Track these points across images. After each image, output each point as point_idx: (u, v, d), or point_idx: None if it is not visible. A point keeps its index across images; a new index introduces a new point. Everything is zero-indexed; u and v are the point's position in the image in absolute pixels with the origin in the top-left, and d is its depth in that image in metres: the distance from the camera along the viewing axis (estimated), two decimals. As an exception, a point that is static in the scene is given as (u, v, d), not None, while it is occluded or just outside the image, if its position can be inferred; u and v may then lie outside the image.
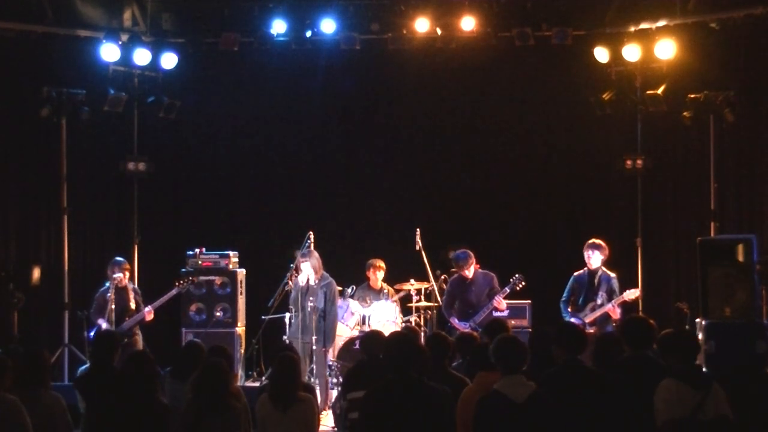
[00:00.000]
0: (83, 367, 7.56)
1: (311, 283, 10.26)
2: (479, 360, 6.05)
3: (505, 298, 10.63)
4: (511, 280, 10.59)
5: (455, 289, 10.79)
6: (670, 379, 5.71)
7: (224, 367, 6.06)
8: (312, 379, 9.91)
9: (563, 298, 10.61)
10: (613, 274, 10.52)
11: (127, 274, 10.72)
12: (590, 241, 10.52)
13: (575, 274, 10.63)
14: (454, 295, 10.78)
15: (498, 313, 10.63)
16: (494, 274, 10.83)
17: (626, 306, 10.33)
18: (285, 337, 10.63)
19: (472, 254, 10.68)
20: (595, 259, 10.41)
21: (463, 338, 7.37)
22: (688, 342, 5.91)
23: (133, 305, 10.57)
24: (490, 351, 5.64)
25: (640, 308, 11.47)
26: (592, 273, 10.45)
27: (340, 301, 11.03)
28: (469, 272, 10.68)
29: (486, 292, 10.65)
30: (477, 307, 10.59)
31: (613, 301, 10.24)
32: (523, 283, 10.56)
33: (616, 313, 10.12)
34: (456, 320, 10.60)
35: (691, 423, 5.56)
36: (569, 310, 10.50)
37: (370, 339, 7.41)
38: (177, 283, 10.74)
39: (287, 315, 10.92)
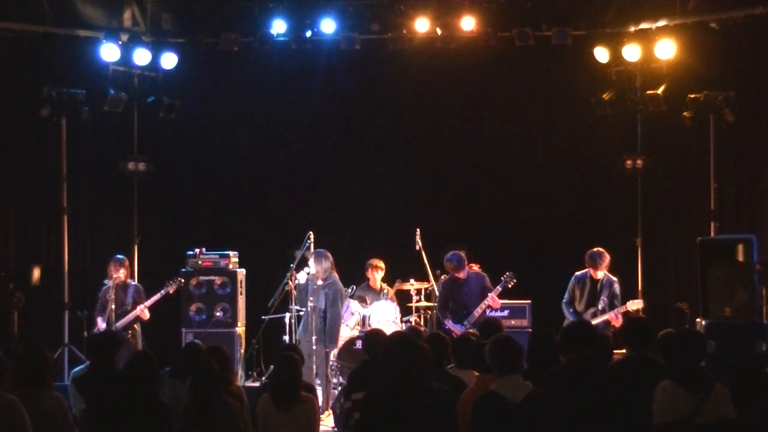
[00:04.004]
0: (79, 366, 7.55)
1: (318, 283, 10.27)
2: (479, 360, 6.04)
3: (499, 296, 10.61)
4: (502, 278, 10.58)
5: (448, 290, 10.76)
6: (667, 380, 5.70)
7: (214, 368, 6.04)
8: (315, 380, 9.91)
9: (564, 300, 10.59)
10: (615, 279, 10.51)
11: (128, 271, 10.73)
12: (592, 253, 10.43)
13: (576, 274, 10.62)
14: (447, 296, 10.76)
15: (496, 313, 10.63)
16: (486, 274, 10.83)
17: (628, 314, 10.33)
18: (295, 337, 10.64)
19: (464, 256, 10.67)
20: (599, 272, 10.42)
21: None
22: (691, 343, 5.86)
23: (131, 303, 10.57)
24: (486, 352, 5.63)
25: (635, 312, 11.44)
26: (595, 278, 10.45)
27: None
28: (463, 274, 10.66)
29: (479, 292, 10.63)
30: (471, 308, 10.57)
31: (615, 310, 10.24)
32: (515, 281, 10.56)
33: (619, 322, 10.11)
34: (450, 322, 10.57)
35: (686, 426, 5.54)
36: (571, 310, 10.48)
37: (372, 338, 7.39)
38: (167, 283, 10.72)
39: (287, 315, 10.94)
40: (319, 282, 10.28)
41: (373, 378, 6.53)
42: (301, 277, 10.40)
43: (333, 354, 10.42)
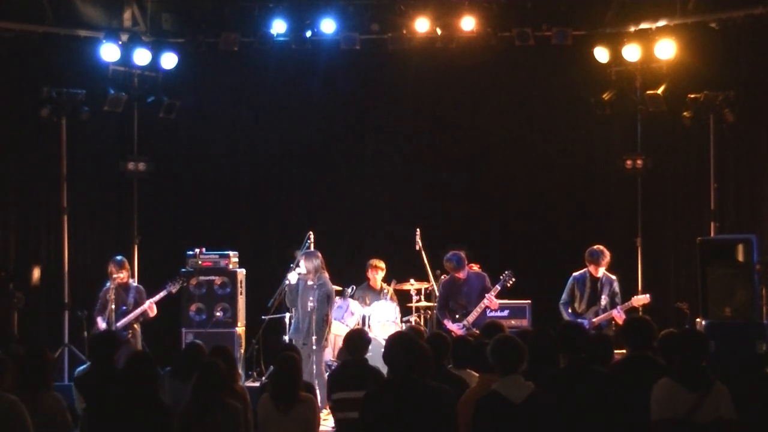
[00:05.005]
0: (82, 366, 7.55)
1: (309, 282, 10.26)
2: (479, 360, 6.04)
3: (499, 296, 10.60)
4: (501, 277, 10.55)
5: (448, 290, 10.73)
6: (666, 379, 5.70)
7: (220, 367, 6.04)
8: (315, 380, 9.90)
9: (563, 301, 10.55)
10: (614, 277, 10.51)
11: (128, 272, 10.72)
12: (592, 251, 10.40)
13: (574, 274, 10.59)
14: (447, 296, 10.73)
15: (495, 313, 10.62)
16: (486, 274, 10.82)
17: (630, 309, 10.33)
18: (285, 337, 10.64)
19: (464, 256, 10.65)
20: (600, 270, 10.41)
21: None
22: (693, 343, 5.85)
23: (132, 304, 10.55)
24: (488, 351, 5.63)
25: (641, 308, 11.46)
26: (595, 276, 10.45)
27: (340, 301, 11.04)
28: (463, 274, 10.66)
29: (478, 293, 10.59)
30: (470, 308, 10.54)
31: (618, 307, 10.24)
32: (513, 280, 10.53)
33: (622, 318, 10.10)
34: (449, 322, 10.54)
35: (684, 424, 5.54)
36: (569, 311, 10.48)
37: (353, 338, 7.35)
38: (169, 282, 10.71)
39: (287, 315, 10.93)
40: (310, 282, 10.26)
41: (354, 378, 6.53)
42: (292, 277, 10.38)
43: (326, 353, 10.42)
